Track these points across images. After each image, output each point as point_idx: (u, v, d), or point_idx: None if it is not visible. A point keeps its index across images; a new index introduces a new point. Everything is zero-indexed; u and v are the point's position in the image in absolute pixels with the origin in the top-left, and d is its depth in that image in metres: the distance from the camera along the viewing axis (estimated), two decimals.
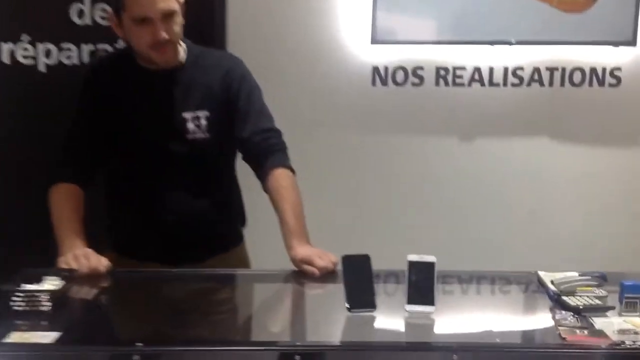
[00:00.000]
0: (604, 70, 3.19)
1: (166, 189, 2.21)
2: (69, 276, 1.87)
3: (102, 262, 1.98)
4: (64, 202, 2.13)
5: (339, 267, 1.85)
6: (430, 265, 1.81)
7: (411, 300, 1.77)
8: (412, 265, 1.81)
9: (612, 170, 3.28)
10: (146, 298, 1.92)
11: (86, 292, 1.93)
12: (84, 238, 2.09)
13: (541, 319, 1.80)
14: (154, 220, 2.21)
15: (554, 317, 1.74)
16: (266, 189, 2.19)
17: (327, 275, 1.98)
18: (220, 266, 2.23)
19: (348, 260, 1.83)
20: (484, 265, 3.16)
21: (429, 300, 1.77)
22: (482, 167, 3.27)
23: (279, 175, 2.18)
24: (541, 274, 2.00)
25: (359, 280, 1.79)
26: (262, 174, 2.21)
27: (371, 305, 1.77)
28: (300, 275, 2.01)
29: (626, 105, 3.23)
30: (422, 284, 1.78)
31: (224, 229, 2.31)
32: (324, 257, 2.00)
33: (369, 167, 3.25)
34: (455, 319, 1.81)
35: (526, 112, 3.24)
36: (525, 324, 1.84)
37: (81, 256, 1.97)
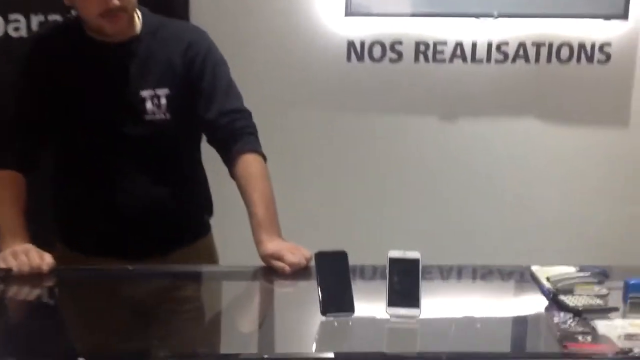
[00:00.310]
0: (592, 45, 3.01)
1: (121, 175, 1.98)
2: (6, 276, 1.65)
3: (44, 260, 1.76)
4: (2, 190, 1.90)
5: (313, 263, 1.65)
6: (414, 262, 1.61)
7: (393, 303, 1.57)
8: (394, 262, 1.61)
9: (601, 151, 3.12)
10: (95, 302, 1.70)
11: (24, 295, 1.71)
12: (26, 231, 1.87)
13: (537, 322, 1.63)
14: (107, 210, 1.99)
15: (551, 320, 1.56)
16: (234, 176, 1.98)
17: (299, 273, 1.78)
18: (185, 260, 2.03)
19: (322, 257, 1.63)
20: (468, 252, 3.03)
21: (413, 302, 1.57)
22: (464, 148, 3.08)
23: (248, 162, 1.97)
24: (534, 269, 1.81)
25: (334, 281, 1.59)
26: (229, 159, 1.99)
27: (348, 308, 1.57)
28: (270, 272, 1.81)
29: (616, 83, 3.06)
30: (405, 284, 1.59)
31: (187, 219, 2.09)
32: (296, 252, 1.80)
33: (343, 149, 3.05)
34: (442, 323, 1.62)
35: (511, 90, 3.06)
36: (519, 329, 1.66)
37: (20, 252, 1.75)
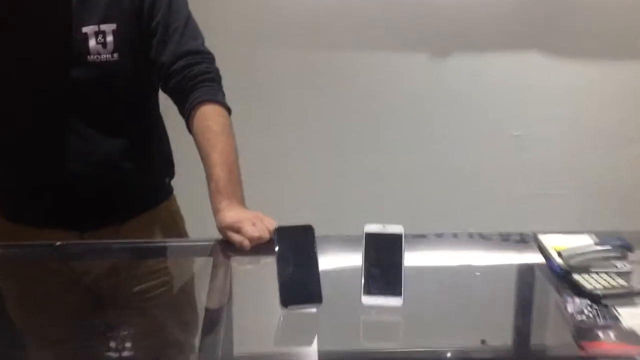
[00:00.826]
0: None
1: (64, 130, 1.65)
2: None
3: None
4: None
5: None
6: (396, 239, 1.31)
7: (369, 290, 1.28)
8: (371, 240, 1.31)
9: (611, 89, 2.77)
10: (19, 290, 1.40)
11: None
12: None
13: (545, 311, 1.34)
14: (48, 173, 1.67)
15: (563, 308, 1.27)
16: (191, 131, 1.67)
17: (261, 247, 1.47)
18: (143, 229, 1.74)
19: (283, 234, 1.33)
20: (461, 202, 2.74)
21: (393, 289, 1.28)
22: (458, 87, 2.74)
23: (208, 114, 1.65)
24: (542, 238, 1.51)
25: (297, 264, 1.29)
26: (185, 111, 1.67)
27: (314, 299, 1.27)
28: (229, 247, 1.50)
29: (628, 8, 2.69)
30: (384, 267, 1.29)
31: (145, 181, 1.77)
32: (258, 223, 1.48)
33: (320, 91, 2.71)
34: (428, 313, 1.33)
35: (510, 20, 2.69)
36: (524, 320, 1.37)
37: None
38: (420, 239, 1.53)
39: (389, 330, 1.28)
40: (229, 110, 1.68)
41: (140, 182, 1.75)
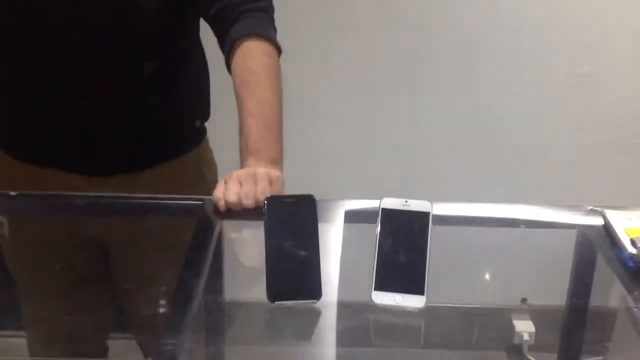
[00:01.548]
0: None
1: (79, 60, 1.32)
2: None
3: None
4: None
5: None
6: (421, 219, 1.01)
7: (382, 284, 0.98)
8: (388, 217, 1.01)
9: None
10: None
11: None
12: None
13: (612, 316, 1.04)
14: (56, 104, 1.36)
15: (633, 313, 0.98)
16: (230, 70, 1.34)
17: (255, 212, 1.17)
18: (163, 181, 1.43)
19: (274, 206, 1.03)
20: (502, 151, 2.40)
21: (414, 284, 0.98)
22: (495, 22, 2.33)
23: (252, 51, 1.32)
24: (610, 215, 1.19)
25: (291, 246, 1.00)
26: (226, 45, 1.34)
27: (310, 292, 0.98)
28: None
29: None
30: (404, 254, 1.00)
31: (169, 122, 1.44)
32: (247, 183, 1.16)
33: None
34: (455, 315, 1.04)
35: None
36: (585, 326, 1.07)
37: None
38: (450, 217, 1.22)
39: (405, 337, 0.99)
40: (279, 49, 1.34)
41: (164, 123, 1.42)
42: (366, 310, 0.99)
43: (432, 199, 1.04)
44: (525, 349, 2.39)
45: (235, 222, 1.20)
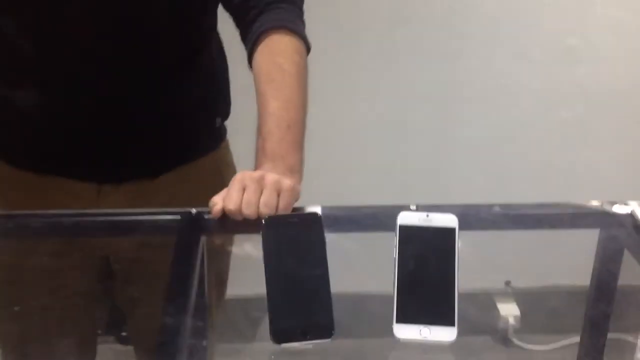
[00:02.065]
0: None
1: (85, 55, 1.15)
2: None
3: None
4: None
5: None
6: (447, 236, 0.86)
7: (405, 316, 0.84)
8: (407, 235, 0.86)
9: None
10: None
11: None
12: None
13: None
14: (60, 102, 1.18)
15: None
16: (252, 65, 1.20)
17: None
18: (179, 187, 1.26)
19: (273, 229, 0.87)
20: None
21: (443, 314, 0.84)
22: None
23: (280, 46, 1.17)
24: None
25: (296, 277, 0.85)
26: (250, 37, 1.19)
27: (321, 330, 0.83)
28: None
29: None
30: (429, 280, 0.85)
31: (186, 122, 1.27)
32: (251, 191, 0.98)
33: None
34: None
35: None
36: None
37: None
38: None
39: None
40: (308, 46, 1.19)
41: (180, 122, 1.25)
42: (387, 346, 0.84)
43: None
44: (510, 333, 2.29)
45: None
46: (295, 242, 0.86)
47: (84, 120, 1.17)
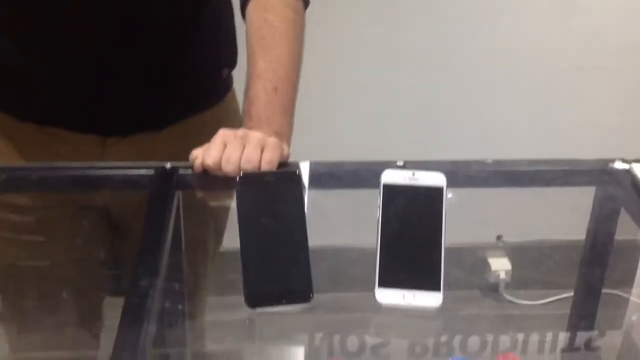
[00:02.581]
0: None
1: (93, 13, 1.09)
2: None
3: None
4: None
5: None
6: (435, 194, 0.81)
7: (388, 280, 0.79)
8: (391, 195, 0.81)
9: None
10: None
11: None
12: None
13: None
14: (79, 65, 1.13)
15: None
16: (245, 19, 1.15)
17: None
18: (185, 139, 1.15)
19: (248, 187, 0.82)
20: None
21: (428, 279, 0.79)
22: None
23: (266, 2, 1.11)
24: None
25: (273, 238, 0.80)
26: None
27: (298, 294, 0.78)
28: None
29: None
30: (414, 242, 0.80)
31: (193, 73, 1.22)
32: (232, 146, 0.93)
33: None
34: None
35: None
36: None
37: None
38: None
39: (417, 344, 0.81)
40: (306, 1, 1.14)
41: (187, 72, 1.20)
42: (369, 311, 0.80)
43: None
44: (501, 287, 2.26)
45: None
46: (271, 201, 0.81)
47: (87, 72, 1.12)
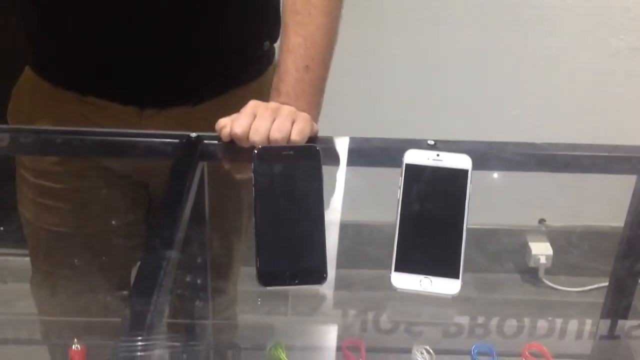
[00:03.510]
0: None
1: None
2: None
3: None
4: None
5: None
6: (459, 176, 0.78)
7: (406, 265, 0.76)
8: (414, 175, 0.78)
9: None
10: None
11: None
12: None
13: None
14: (121, 35, 1.11)
15: None
16: None
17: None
18: (229, 109, 1.14)
19: (265, 161, 0.80)
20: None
21: (447, 265, 0.76)
22: None
23: None
24: None
25: (288, 216, 0.77)
26: None
27: (312, 275, 0.76)
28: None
29: None
30: (434, 228, 0.77)
31: (233, 45, 1.19)
32: (261, 117, 0.92)
33: None
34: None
35: None
36: None
37: None
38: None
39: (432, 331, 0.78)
40: None
41: (225, 46, 1.17)
42: (384, 295, 0.77)
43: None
44: (541, 273, 2.21)
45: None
46: (289, 177, 0.78)
47: (126, 43, 1.10)
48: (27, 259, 1.26)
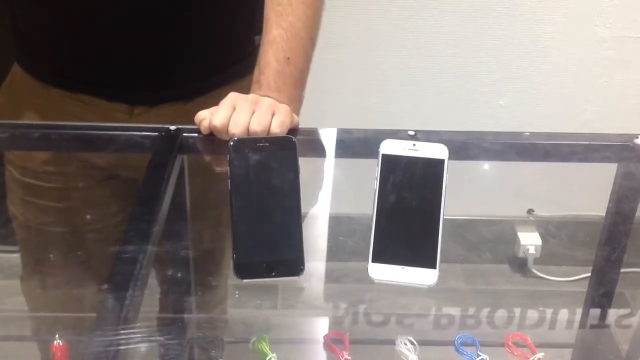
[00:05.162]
0: None
1: None
2: None
3: None
4: None
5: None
6: (436, 166, 0.77)
7: (383, 255, 0.76)
8: (390, 166, 0.78)
9: None
10: None
11: None
12: None
13: None
14: (109, 31, 1.10)
15: None
16: None
17: None
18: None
19: (241, 153, 0.79)
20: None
21: (424, 255, 0.76)
22: None
23: None
24: None
25: (264, 208, 0.77)
26: None
27: (289, 267, 0.76)
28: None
29: None
30: (411, 216, 0.77)
31: (222, 40, 1.18)
32: (240, 110, 0.91)
33: None
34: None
35: None
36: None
37: None
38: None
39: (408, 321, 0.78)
40: None
41: (215, 43, 1.17)
42: (361, 287, 0.77)
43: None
44: (530, 263, 2.21)
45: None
46: (265, 169, 0.78)
47: (116, 39, 1.09)
48: (15, 255, 1.26)
